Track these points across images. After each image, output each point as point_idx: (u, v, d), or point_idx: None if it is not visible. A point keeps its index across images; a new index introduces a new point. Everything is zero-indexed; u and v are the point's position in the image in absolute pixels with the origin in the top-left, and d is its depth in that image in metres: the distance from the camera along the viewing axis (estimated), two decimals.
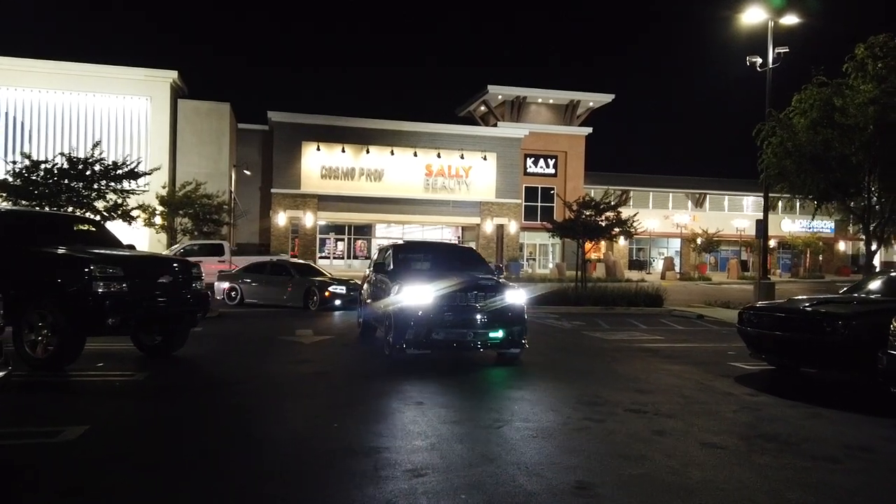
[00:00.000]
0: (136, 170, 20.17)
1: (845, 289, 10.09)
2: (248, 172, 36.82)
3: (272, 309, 17.05)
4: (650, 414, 6.28)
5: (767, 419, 6.16)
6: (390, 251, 10.60)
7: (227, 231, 31.48)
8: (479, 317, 8.48)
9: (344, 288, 16.98)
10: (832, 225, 51.91)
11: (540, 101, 44.90)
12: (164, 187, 28.20)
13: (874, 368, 7.12)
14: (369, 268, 11.88)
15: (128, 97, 31.95)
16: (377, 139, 38.60)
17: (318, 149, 37.78)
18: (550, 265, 43.78)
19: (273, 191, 37.36)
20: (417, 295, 8.44)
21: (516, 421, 5.91)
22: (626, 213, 22.88)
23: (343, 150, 38.08)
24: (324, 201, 37.90)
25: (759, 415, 6.36)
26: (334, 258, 41.95)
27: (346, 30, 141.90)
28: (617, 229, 22.45)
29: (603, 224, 21.80)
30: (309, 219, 37.65)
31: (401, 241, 10.56)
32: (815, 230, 50.86)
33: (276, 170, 37.39)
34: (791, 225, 51.50)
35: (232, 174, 34.57)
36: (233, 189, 34.32)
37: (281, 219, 37.11)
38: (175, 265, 8.90)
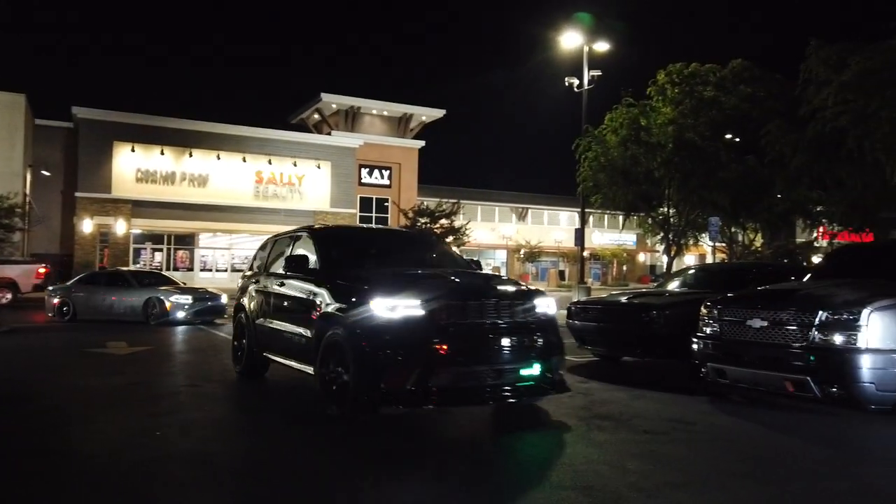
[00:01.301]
0: None
1: (656, 284, 11.13)
2: (46, 174, 32.74)
3: (106, 324, 15.06)
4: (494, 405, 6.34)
5: (598, 402, 6.50)
6: (307, 240, 6.89)
7: (20, 238, 27.63)
8: (506, 342, 5.24)
9: (189, 297, 15.02)
10: (634, 238, 57.91)
11: (374, 112, 45.05)
12: None
13: (686, 353, 7.86)
14: (253, 270, 8.21)
15: None
16: (202, 142, 36.23)
17: (133, 150, 34.57)
18: None
19: (78, 195, 33.46)
20: (400, 307, 5.03)
21: (316, 409, 5.66)
22: (457, 222, 23.60)
23: (162, 153, 35.20)
24: (139, 207, 34.70)
25: (591, 398, 6.70)
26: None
27: (172, 27, 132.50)
28: (451, 237, 23.13)
29: (438, 232, 22.33)
30: (121, 226, 34.23)
31: (317, 227, 7.42)
32: (621, 243, 56.42)
33: (81, 172, 33.54)
34: (600, 237, 56.50)
35: (27, 175, 30.49)
36: (28, 192, 30.24)
37: (87, 226, 33.33)
38: None
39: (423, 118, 46.87)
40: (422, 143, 46.62)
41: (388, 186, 45.02)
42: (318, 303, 5.86)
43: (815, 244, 28.99)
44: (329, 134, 42.71)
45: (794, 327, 5.82)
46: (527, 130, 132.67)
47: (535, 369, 5.36)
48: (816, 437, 5.35)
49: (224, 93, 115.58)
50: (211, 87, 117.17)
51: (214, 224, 37.38)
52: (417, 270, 6.19)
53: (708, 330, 6.77)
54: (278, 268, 7.10)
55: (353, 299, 5.33)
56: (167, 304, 14.76)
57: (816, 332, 5.66)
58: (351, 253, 6.80)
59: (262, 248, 8.35)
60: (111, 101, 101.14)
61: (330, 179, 39.76)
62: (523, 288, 6.00)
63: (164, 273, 21.20)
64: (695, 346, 6.80)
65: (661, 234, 21.39)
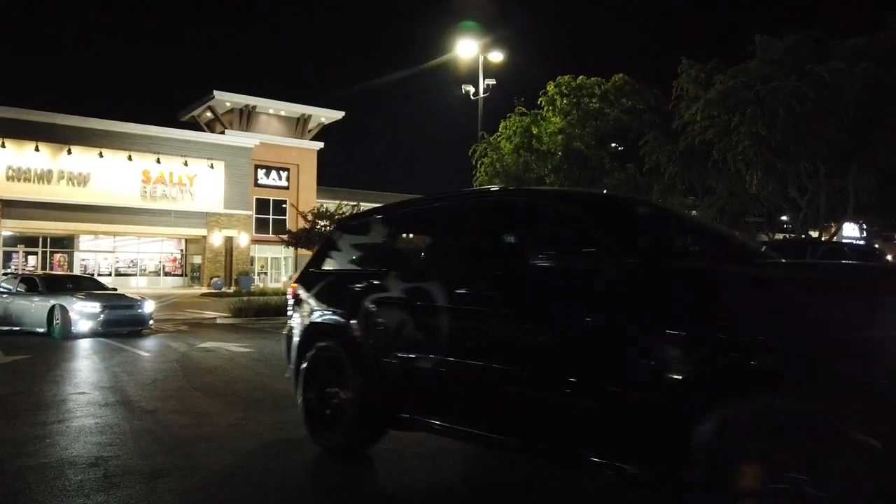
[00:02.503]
0: None
1: None
2: None
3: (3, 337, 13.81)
4: None
5: None
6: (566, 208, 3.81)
7: None
8: None
9: (97, 305, 12.87)
10: None
11: (271, 111, 44.11)
12: None
13: None
14: (345, 268, 5.08)
15: None
16: (82, 139, 34.08)
17: (4, 145, 32.01)
18: (283, 278, 43.03)
19: None
20: None
21: (261, 418, 5.78)
22: None
23: (37, 149, 32.81)
24: (10, 207, 32.13)
25: None
26: None
27: (53, 15, 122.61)
28: None
29: None
30: None
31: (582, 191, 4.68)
32: None
33: None
34: None
35: None
36: None
37: None
38: None
39: (322, 119, 46.44)
40: (320, 145, 46.17)
41: (287, 188, 44.25)
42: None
43: None
44: (223, 133, 41.42)
45: None
46: (425, 133, 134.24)
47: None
48: None
49: (109, 88, 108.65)
50: (94, 82, 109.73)
51: (96, 226, 35.28)
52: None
53: None
54: (436, 260, 4.32)
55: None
56: (70, 314, 12.59)
57: None
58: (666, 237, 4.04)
59: (362, 229, 5.23)
60: None
61: (224, 180, 38.57)
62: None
63: (96, 278, 19.40)
64: None
65: None
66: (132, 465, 4.34)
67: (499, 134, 20.73)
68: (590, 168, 19.20)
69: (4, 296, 14.26)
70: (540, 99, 20.74)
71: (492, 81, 23.88)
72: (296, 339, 5.00)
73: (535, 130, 20.06)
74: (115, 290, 15.76)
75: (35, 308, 13.34)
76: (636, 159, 19.40)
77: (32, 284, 14.25)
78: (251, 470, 4.29)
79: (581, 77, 20.69)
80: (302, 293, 5.10)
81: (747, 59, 17.56)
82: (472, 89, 24.05)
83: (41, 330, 13.05)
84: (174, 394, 7.05)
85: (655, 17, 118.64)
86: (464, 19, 35.72)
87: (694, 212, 22.11)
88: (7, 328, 13.73)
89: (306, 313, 4.96)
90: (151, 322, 14.21)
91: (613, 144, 21.25)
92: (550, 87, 20.58)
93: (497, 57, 24.09)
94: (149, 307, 14.08)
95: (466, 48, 23.58)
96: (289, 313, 5.26)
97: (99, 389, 7.24)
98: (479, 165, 20.77)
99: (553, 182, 19.81)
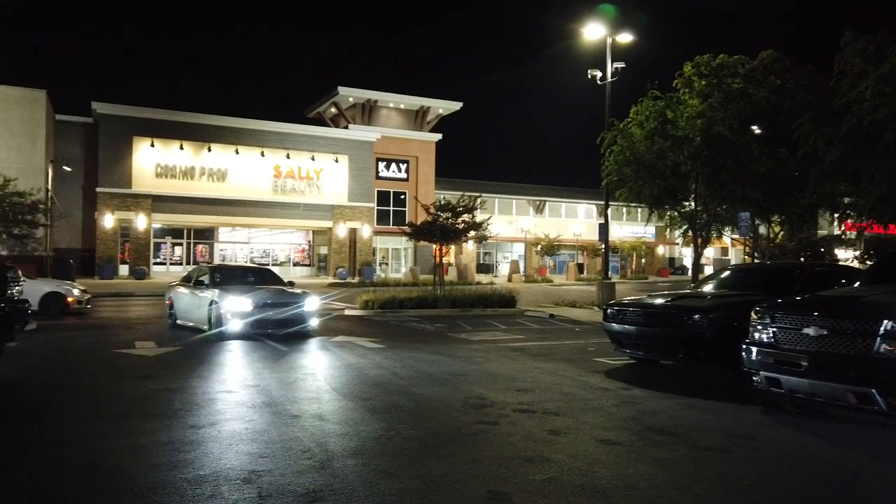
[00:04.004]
0: None
1: (692, 285, 10.85)
2: (68, 169, 32.92)
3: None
4: (539, 413, 6.16)
5: (649, 412, 6.28)
6: None
7: (43, 234, 27.80)
8: None
9: (248, 302, 11.52)
10: (653, 231, 57.30)
11: (391, 105, 44.82)
12: None
13: (731, 358, 7.62)
14: None
15: None
16: (220, 137, 36.26)
17: (153, 145, 34.67)
18: (404, 269, 43.77)
19: (99, 190, 33.65)
20: None
21: (406, 429, 5.50)
22: (479, 217, 23.34)
23: (181, 148, 35.27)
24: (159, 202, 34.82)
25: (639, 408, 6.48)
26: (171, 264, 38.66)
27: (190, 22, 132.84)
28: (473, 232, 22.86)
29: (460, 227, 22.06)
30: (142, 221, 34.37)
31: None
32: (640, 235, 55.86)
33: (102, 167, 33.71)
34: (619, 230, 55.94)
35: (49, 170, 30.66)
36: (50, 187, 30.43)
37: (108, 221, 33.50)
38: None
39: (441, 111, 46.58)
40: (439, 136, 46.36)
41: (406, 180, 44.87)
42: None
43: (843, 237, 28.46)
44: (346, 127, 42.59)
45: (857, 336, 5.57)
46: (544, 122, 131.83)
47: None
48: (886, 454, 5.10)
49: (242, 87, 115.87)
50: (228, 82, 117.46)
51: (233, 219, 37.48)
52: None
53: (760, 336, 6.51)
54: None
55: None
56: (221, 311, 11.43)
57: (881, 342, 5.42)
58: None
59: None
60: (130, 97, 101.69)
61: (347, 173, 39.67)
62: None
63: (271, 269, 18.01)
64: (745, 354, 6.55)
65: (687, 227, 21.01)
66: (285, 484, 4.13)
67: (630, 120, 19.49)
68: (734, 154, 17.60)
69: (181, 288, 13.61)
70: (675, 81, 19.26)
71: (620, 64, 22.59)
72: None
73: (669, 115, 18.68)
74: (291, 283, 13.90)
75: (199, 303, 12.36)
76: (788, 143, 17.57)
77: (204, 276, 13.15)
78: (410, 500, 3.95)
79: (722, 56, 18.99)
80: None
81: None
82: (598, 74, 22.88)
83: (204, 327, 11.93)
84: (315, 395, 6.95)
85: None
86: (594, 3, 34.30)
87: (848, 199, 19.83)
88: (182, 323, 13.13)
89: None
90: (314, 323, 12.24)
91: (758, 128, 19.37)
92: (687, 68, 19.05)
93: (626, 38, 22.77)
94: (311, 304, 12.15)
95: (594, 31, 22.43)
96: None
97: (245, 388, 7.30)
98: (607, 154, 19.67)
99: (690, 169, 18.41)
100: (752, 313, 6.70)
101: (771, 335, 6.39)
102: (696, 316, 7.96)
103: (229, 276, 13.08)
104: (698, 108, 18.13)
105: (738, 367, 6.72)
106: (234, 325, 11.29)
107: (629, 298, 9.79)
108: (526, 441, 5.19)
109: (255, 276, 13.71)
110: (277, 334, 11.61)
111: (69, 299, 15.55)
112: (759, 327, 6.49)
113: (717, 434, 5.45)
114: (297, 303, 11.93)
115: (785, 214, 21.71)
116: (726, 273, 10.27)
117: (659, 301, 8.87)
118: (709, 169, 17.99)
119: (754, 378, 6.50)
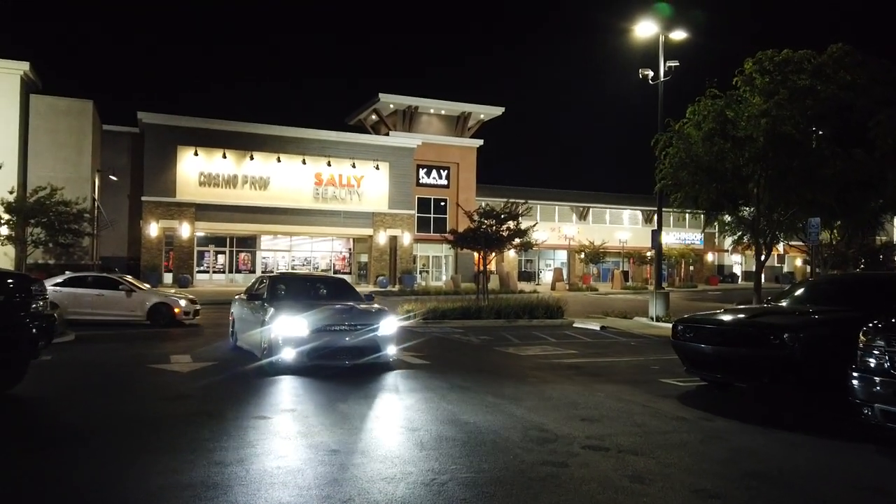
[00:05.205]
0: None
1: (770, 297, 9.82)
2: (114, 178, 33.29)
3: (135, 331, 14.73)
4: (613, 451, 5.31)
5: (744, 452, 5.37)
6: None
7: (88, 243, 28.02)
8: None
9: (306, 325, 8.99)
10: (701, 237, 55.36)
11: (432, 111, 44.31)
12: (11, 192, 24.49)
13: (827, 383, 6.66)
14: None
15: None
16: (262, 145, 36.27)
17: (196, 154, 34.84)
18: (444, 277, 43.09)
19: (144, 199, 33.95)
20: None
21: (461, 471, 4.73)
22: (523, 223, 22.51)
23: (224, 156, 35.36)
24: (202, 210, 34.95)
25: (731, 445, 5.57)
26: (214, 272, 38.80)
27: (227, 32, 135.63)
28: (517, 240, 22.02)
29: (505, 234, 21.26)
30: (185, 229, 34.55)
31: None
32: (689, 242, 54.02)
33: (147, 176, 34.02)
34: (666, 237, 54.10)
35: (95, 180, 31.01)
36: (96, 196, 30.77)
37: (153, 229, 33.76)
38: (9, 280, 6.96)
39: (482, 116, 45.88)
40: (480, 142, 45.63)
41: (447, 186, 44.25)
42: None
43: None
44: (387, 134, 42.24)
45: None
46: (588, 127, 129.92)
47: None
48: None
49: (284, 97, 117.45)
50: (272, 92, 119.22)
51: (275, 227, 37.41)
52: None
53: (872, 362, 5.54)
54: None
55: None
56: (272, 335, 9.13)
57: None
58: None
59: None
60: (175, 107, 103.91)
61: (388, 180, 39.26)
62: None
63: (345, 279, 13.97)
64: (856, 382, 5.59)
65: (747, 233, 19.72)
66: None
67: (686, 120, 18.32)
68: (803, 155, 16.31)
69: (241, 302, 11.72)
70: (735, 79, 18.00)
71: (674, 62, 21.50)
72: None
73: (729, 114, 17.44)
74: (371, 297, 11.45)
75: (252, 322, 10.27)
76: (861, 143, 16.20)
77: (263, 287, 10.91)
78: None
79: (786, 51, 17.68)
80: None
81: None
82: (650, 73, 21.82)
83: (258, 354, 9.70)
84: (356, 424, 6.24)
85: None
86: (638, 3, 33.10)
87: None
88: (241, 345, 11.14)
89: None
90: (392, 351, 9.67)
91: (825, 127, 18.00)
92: (748, 65, 17.77)
93: (680, 36, 21.69)
94: (388, 326, 9.52)
95: (645, 28, 21.43)
96: None
97: (279, 413, 6.64)
98: (662, 156, 18.53)
99: (752, 172, 17.16)
100: (862, 334, 5.74)
101: (887, 360, 5.43)
102: (786, 335, 6.98)
103: (293, 289, 10.94)
104: (761, 107, 16.88)
105: (835, 393, 5.78)
106: (287, 353, 8.90)
107: (702, 314, 8.81)
108: (605, 490, 4.36)
109: (326, 288, 11.44)
110: (342, 366, 9.15)
111: (175, 310, 15.95)
112: (874, 350, 5.53)
113: (838, 485, 4.52)
114: (369, 324, 9.34)
115: (854, 220, 20.20)
116: (810, 284, 9.21)
117: (739, 316, 7.90)
118: (774, 171, 16.72)
119: (865, 410, 5.54)
